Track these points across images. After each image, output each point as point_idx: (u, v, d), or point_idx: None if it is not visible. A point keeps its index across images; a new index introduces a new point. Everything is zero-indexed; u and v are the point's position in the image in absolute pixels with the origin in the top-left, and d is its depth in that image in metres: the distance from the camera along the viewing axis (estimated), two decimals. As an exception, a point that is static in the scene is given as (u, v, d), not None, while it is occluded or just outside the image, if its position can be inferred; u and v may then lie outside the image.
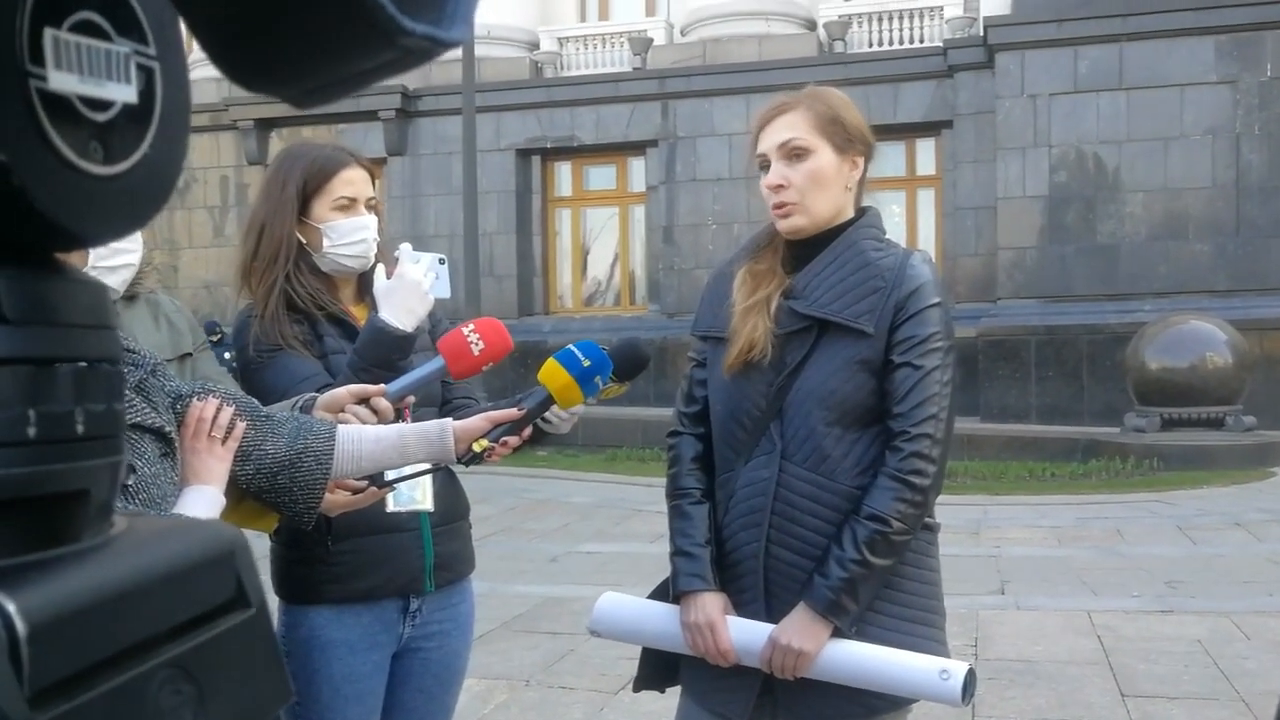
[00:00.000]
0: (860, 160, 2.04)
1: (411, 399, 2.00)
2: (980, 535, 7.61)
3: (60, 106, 0.31)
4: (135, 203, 0.33)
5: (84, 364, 0.32)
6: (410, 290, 2.17)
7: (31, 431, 0.30)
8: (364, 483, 1.86)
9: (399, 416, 2.07)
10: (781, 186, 2.01)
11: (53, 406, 0.30)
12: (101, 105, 0.32)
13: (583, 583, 6.39)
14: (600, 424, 12.51)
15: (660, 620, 2.12)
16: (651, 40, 16.47)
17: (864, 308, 1.95)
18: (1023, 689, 4.46)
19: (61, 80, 0.30)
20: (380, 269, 2.25)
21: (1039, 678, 4.59)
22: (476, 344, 1.93)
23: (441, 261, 2.31)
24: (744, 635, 2.01)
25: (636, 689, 2.28)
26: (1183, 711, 4.18)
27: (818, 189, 2.00)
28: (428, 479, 2.22)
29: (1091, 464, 10.69)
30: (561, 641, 5.21)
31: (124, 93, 0.33)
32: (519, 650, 5.10)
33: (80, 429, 0.31)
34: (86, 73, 0.31)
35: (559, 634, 5.34)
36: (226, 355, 2.34)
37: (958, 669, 1.89)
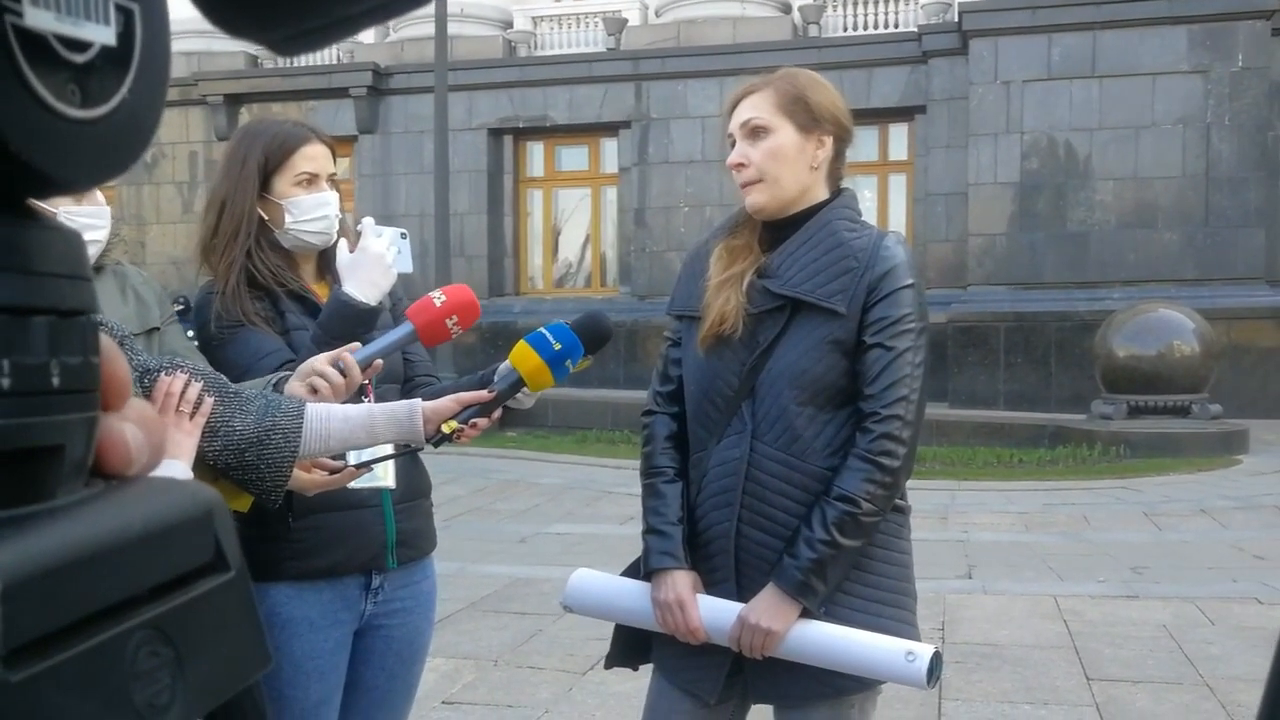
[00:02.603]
0: (827, 140, 2.04)
1: (380, 363, 1.98)
2: (948, 520, 7.67)
3: (36, 45, 0.29)
4: (113, 149, 0.32)
5: (59, 314, 0.31)
6: (374, 264, 2.17)
7: (5, 383, 0.28)
8: (340, 462, 1.85)
9: (361, 393, 2.06)
10: (742, 165, 2.04)
11: (27, 357, 0.29)
12: (79, 46, 0.31)
13: (551, 564, 6.38)
14: (570, 405, 12.50)
15: (632, 597, 2.13)
16: (626, 21, 16.42)
17: (836, 288, 1.96)
18: (989, 673, 4.50)
19: (37, 17, 0.29)
20: (343, 244, 2.24)
21: (1005, 661, 4.63)
22: (438, 298, 1.92)
23: (404, 236, 2.30)
24: (714, 614, 2.01)
25: (608, 665, 2.29)
26: (1147, 695, 4.23)
27: (777, 166, 2.01)
28: None
29: (1059, 450, 10.79)
30: (530, 622, 5.21)
31: (102, 34, 0.31)
32: (487, 630, 5.10)
33: (56, 381, 0.30)
34: (63, 10, 0.30)
35: (527, 614, 5.35)
36: (189, 333, 2.31)
37: (924, 651, 1.90)
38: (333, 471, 1.87)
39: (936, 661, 1.90)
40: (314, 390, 1.82)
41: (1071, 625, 5.12)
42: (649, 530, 2.11)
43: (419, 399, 1.82)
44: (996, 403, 12.81)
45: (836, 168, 2.10)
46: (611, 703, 4.15)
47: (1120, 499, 8.48)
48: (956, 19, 14.02)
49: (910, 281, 1.97)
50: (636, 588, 2.13)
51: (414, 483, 2.33)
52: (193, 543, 0.32)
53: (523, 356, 1.81)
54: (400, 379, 2.33)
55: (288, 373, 1.90)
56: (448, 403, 1.78)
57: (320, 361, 1.86)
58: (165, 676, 0.29)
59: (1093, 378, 11.56)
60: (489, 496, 8.77)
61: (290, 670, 2.18)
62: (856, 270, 1.96)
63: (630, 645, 2.22)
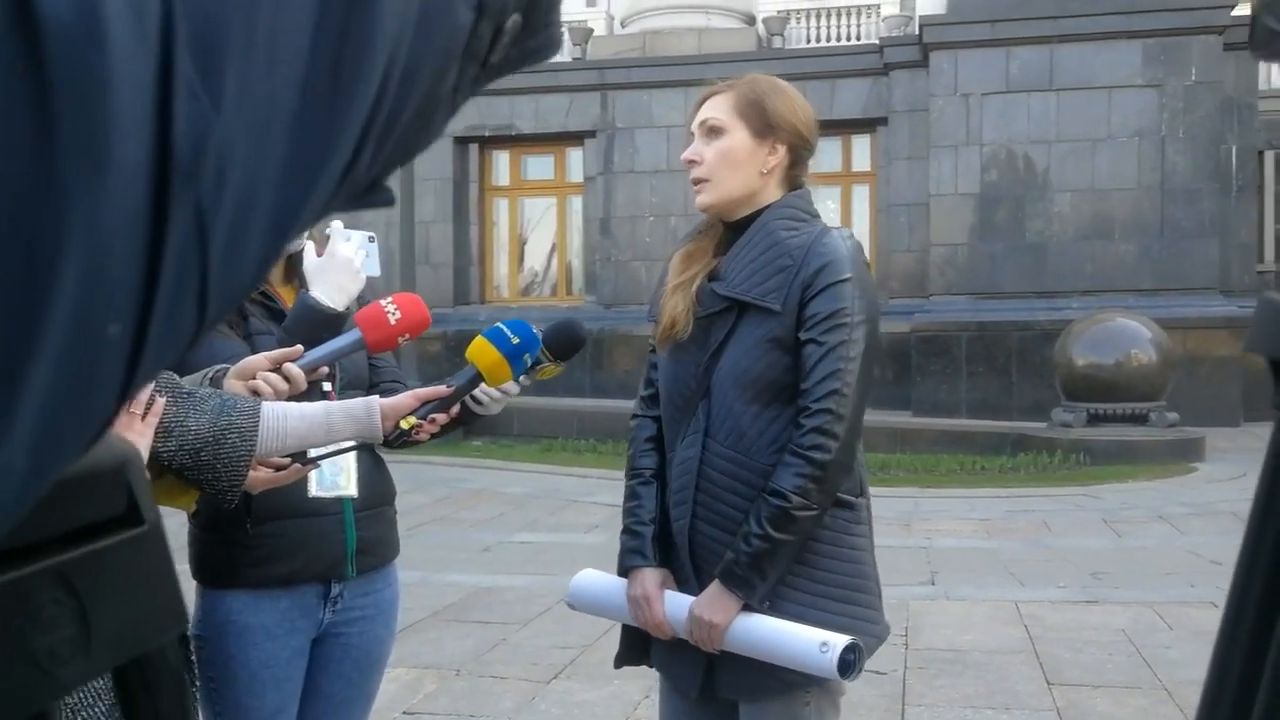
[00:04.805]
0: (781, 147, 2.08)
1: (325, 370, 1.95)
2: (911, 527, 7.70)
3: None
4: None
5: None
6: (342, 268, 2.15)
7: None
8: (287, 460, 1.82)
9: (323, 399, 2.03)
10: (694, 162, 2.10)
11: None
12: None
13: (515, 572, 6.36)
14: (536, 414, 12.45)
15: (621, 595, 2.21)
16: (592, 31, 16.45)
17: (771, 286, 2.01)
18: (952, 678, 4.51)
19: None
20: (310, 246, 2.22)
21: (968, 667, 4.65)
22: (393, 314, 1.89)
23: (371, 240, 2.29)
24: (678, 609, 2.09)
25: (617, 665, 2.35)
26: (1107, 699, 4.26)
27: (726, 167, 2.07)
28: (352, 465, 2.19)
29: (1020, 458, 10.86)
30: (493, 631, 5.18)
31: None
32: (450, 640, 5.06)
33: None
34: None
35: (490, 623, 5.31)
36: None
37: (837, 641, 1.91)
38: (279, 469, 1.83)
39: (855, 653, 1.91)
40: (255, 393, 1.79)
41: (1032, 630, 5.15)
42: (624, 530, 2.20)
43: (376, 396, 1.80)
44: (959, 411, 12.89)
45: (794, 175, 2.14)
46: (575, 712, 4.12)
47: (1080, 506, 8.56)
48: (917, 32, 14.14)
49: (847, 276, 2.00)
50: (622, 586, 2.21)
51: (376, 490, 2.30)
52: (103, 493, 0.31)
53: (480, 351, 1.79)
54: (365, 384, 2.30)
55: (225, 366, 1.87)
56: (406, 399, 1.77)
57: (261, 361, 1.83)
58: (68, 626, 0.28)
59: (1053, 386, 11.66)
60: (453, 505, 8.72)
61: (246, 678, 2.15)
62: (791, 268, 2.01)
63: (635, 644, 2.28)
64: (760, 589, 1.99)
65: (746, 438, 2.03)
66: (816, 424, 1.96)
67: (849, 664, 1.90)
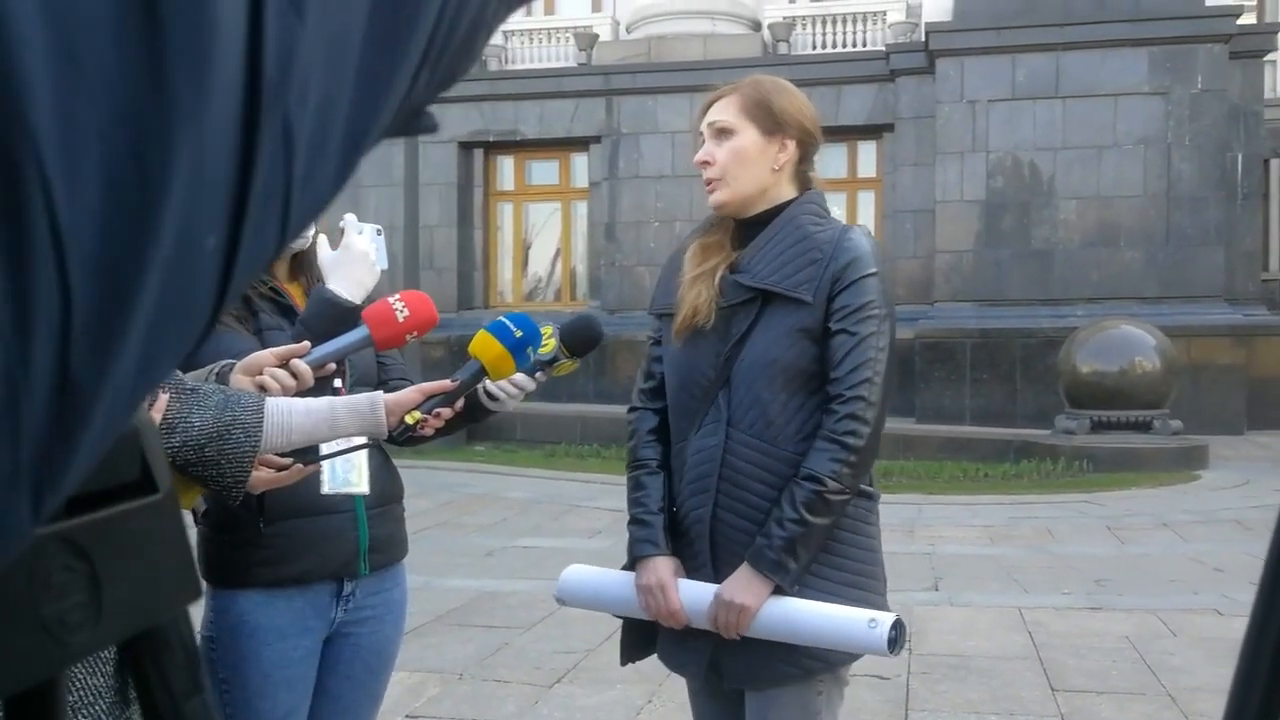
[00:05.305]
0: (790, 144, 2.14)
1: (333, 366, 1.95)
2: (915, 533, 7.69)
3: None
4: None
5: None
6: (358, 261, 2.15)
7: None
8: (289, 459, 1.81)
9: (333, 395, 2.02)
10: (707, 163, 2.15)
11: None
12: None
13: (518, 577, 6.35)
14: (539, 420, 12.45)
15: (621, 587, 2.21)
16: (597, 36, 16.46)
17: (802, 278, 2.05)
18: (955, 683, 4.50)
19: None
20: (323, 240, 2.22)
21: (971, 672, 4.63)
22: (401, 311, 1.89)
23: (379, 233, 2.29)
24: (693, 596, 2.09)
25: (623, 663, 2.35)
26: (1111, 705, 4.25)
27: (739, 166, 2.12)
28: (364, 462, 2.18)
29: (1023, 465, 10.85)
30: (496, 635, 5.17)
31: None
32: (453, 643, 5.05)
33: None
34: None
35: (494, 628, 5.30)
36: None
37: (885, 619, 1.95)
38: (281, 468, 1.82)
39: (899, 630, 1.96)
40: (262, 389, 1.79)
41: (1036, 636, 5.14)
42: (632, 520, 2.21)
43: (380, 392, 1.80)
44: (963, 418, 12.87)
45: (803, 170, 2.19)
46: (578, 716, 4.11)
47: (1083, 512, 8.54)
48: (923, 39, 14.15)
49: (873, 270, 2.06)
50: (624, 578, 2.22)
51: (387, 488, 2.29)
52: (115, 458, 0.30)
53: (484, 345, 1.79)
54: (374, 381, 2.29)
55: (231, 361, 1.86)
56: (410, 393, 1.76)
57: (268, 357, 1.83)
58: (79, 593, 0.27)
59: (1057, 393, 11.65)
60: (456, 510, 8.71)
61: (259, 680, 2.12)
62: (821, 261, 2.05)
63: (638, 638, 2.29)
64: (794, 572, 2.01)
65: (774, 426, 2.06)
66: (850, 410, 2.00)
67: (892, 640, 1.94)
